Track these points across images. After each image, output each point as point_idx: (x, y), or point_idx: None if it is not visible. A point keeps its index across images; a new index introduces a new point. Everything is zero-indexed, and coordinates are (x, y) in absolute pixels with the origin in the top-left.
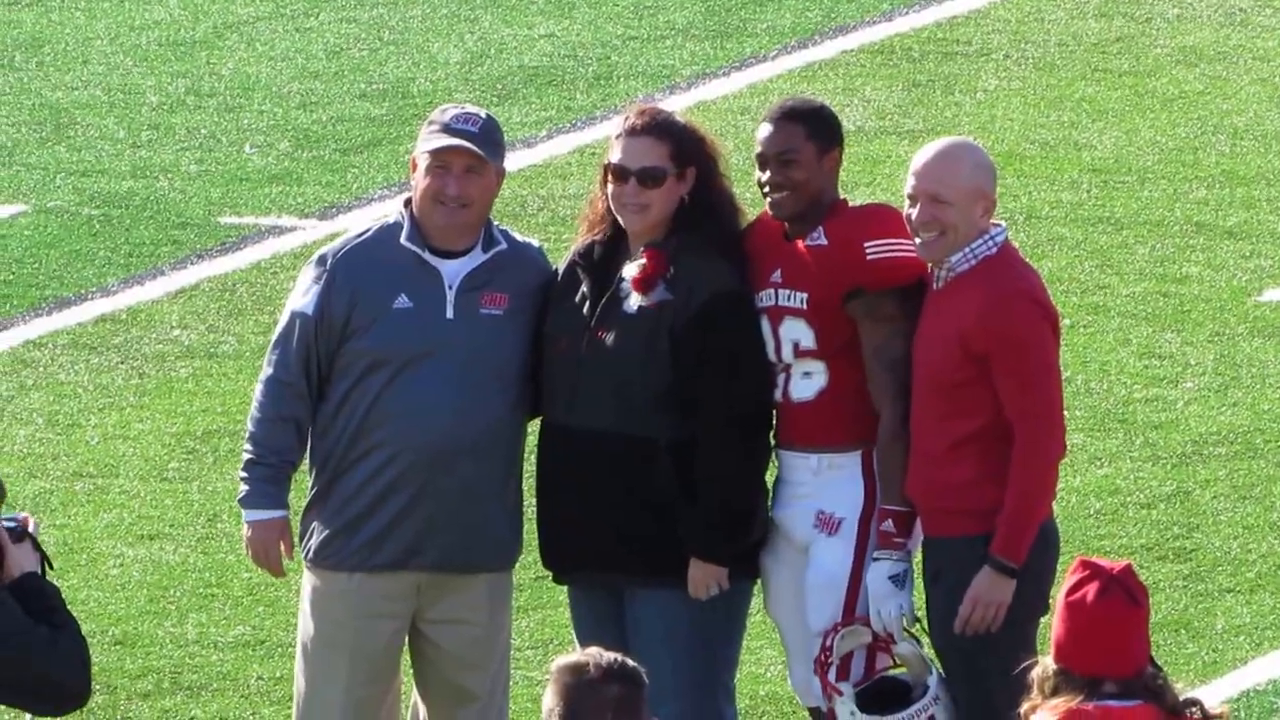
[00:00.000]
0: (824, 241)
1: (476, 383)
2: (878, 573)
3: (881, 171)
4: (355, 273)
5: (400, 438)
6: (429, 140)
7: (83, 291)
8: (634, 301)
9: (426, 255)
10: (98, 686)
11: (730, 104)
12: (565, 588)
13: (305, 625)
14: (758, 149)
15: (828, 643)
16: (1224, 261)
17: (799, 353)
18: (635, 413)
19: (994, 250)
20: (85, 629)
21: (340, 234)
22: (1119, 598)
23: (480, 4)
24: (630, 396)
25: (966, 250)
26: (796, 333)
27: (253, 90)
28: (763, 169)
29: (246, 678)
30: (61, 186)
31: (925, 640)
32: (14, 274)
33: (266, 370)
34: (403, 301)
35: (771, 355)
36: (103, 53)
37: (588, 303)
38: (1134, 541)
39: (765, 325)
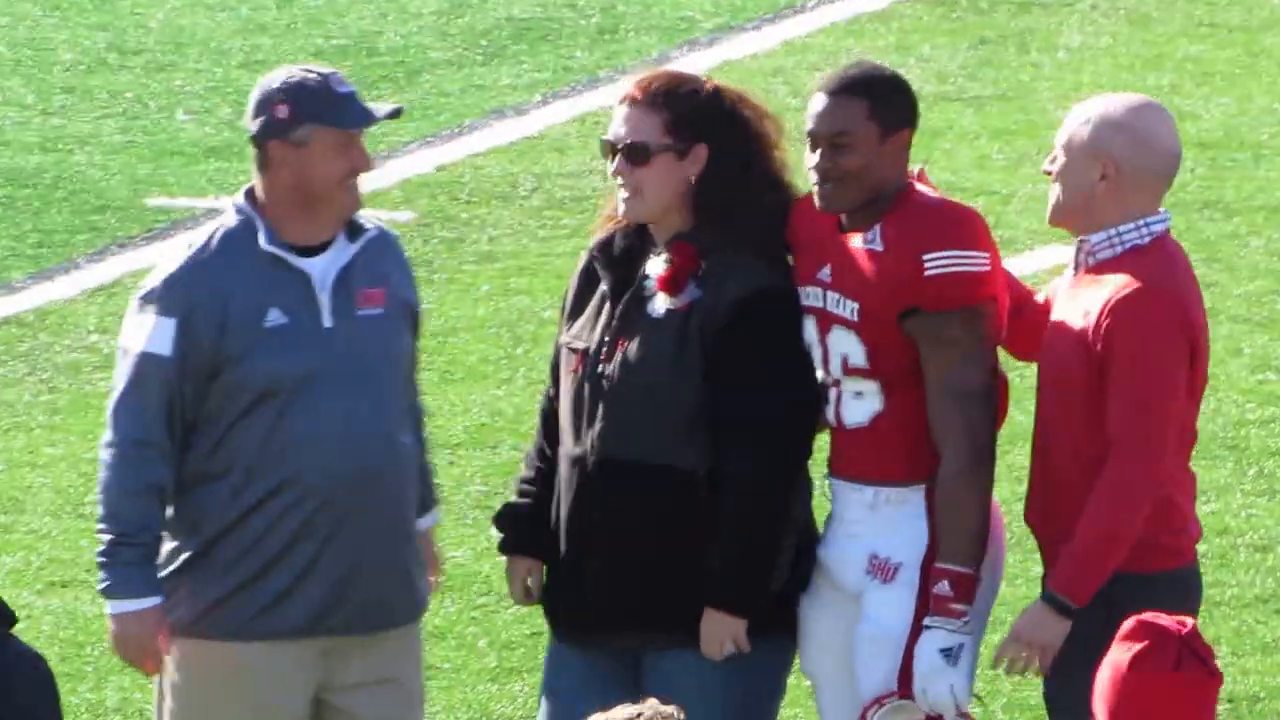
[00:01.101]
0: (879, 246)
1: (375, 401)
2: (928, 644)
3: (940, 146)
4: (214, 295)
5: (302, 478)
6: (330, 113)
7: None
8: (660, 304)
9: (291, 257)
10: None
11: (760, 64)
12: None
13: (179, 709)
14: (808, 126)
15: (868, 716)
16: None
17: (848, 369)
18: (667, 438)
19: (1145, 240)
20: None
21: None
22: (1195, 667)
23: None
24: (660, 418)
25: (1113, 233)
26: (846, 345)
27: (187, 46)
28: (813, 150)
29: None
30: None
31: None
32: None
33: (116, 432)
34: (275, 318)
35: (818, 368)
36: (5, 1)
37: (607, 306)
38: (1247, 592)
39: (812, 330)
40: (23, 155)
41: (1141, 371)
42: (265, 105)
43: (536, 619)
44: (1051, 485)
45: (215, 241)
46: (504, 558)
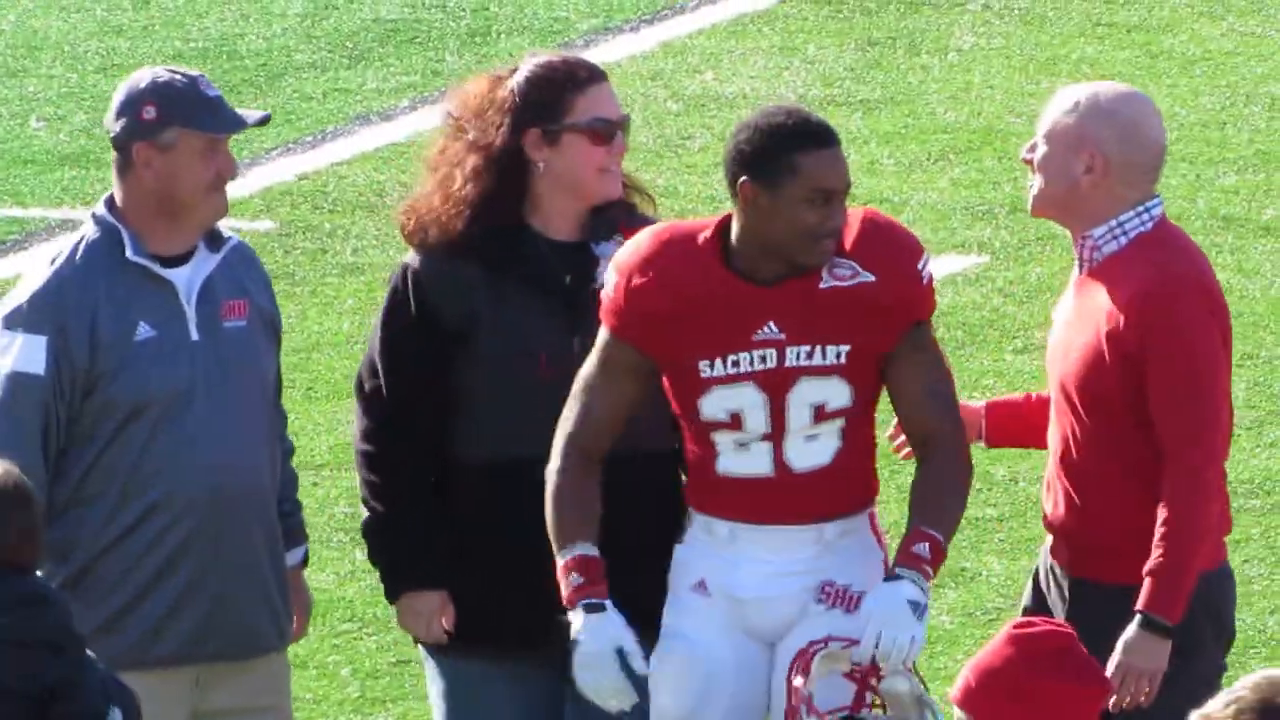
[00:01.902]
0: (871, 276)
1: (243, 417)
2: (895, 593)
3: None
4: (82, 309)
5: (174, 499)
6: (198, 117)
7: None
8: None
9: (157, 267)
10: None
11: (638, 67)
12: (439, 670)
13: None
14: (826, 183)
15: (810, 655)
16: (1258, 265)
17: (822, 416)
18: (650, 422)
19: (1148, 226)
20: None
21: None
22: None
23: None
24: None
25: (1114, 224)
26: (821, 394)
27: (40, 49)
28: (825, 205)
29: None
30: None
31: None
32: None
33: None
34: (144, 331)
35: (759, 426)
36: None
37: (551, 303)
38: None
39: (750, 395)
40: None
41: (1186, 363)
42: (131, 106)
43: (403, 647)
44: (1065, 493)
45: (79, 254)
46: (416, 593)
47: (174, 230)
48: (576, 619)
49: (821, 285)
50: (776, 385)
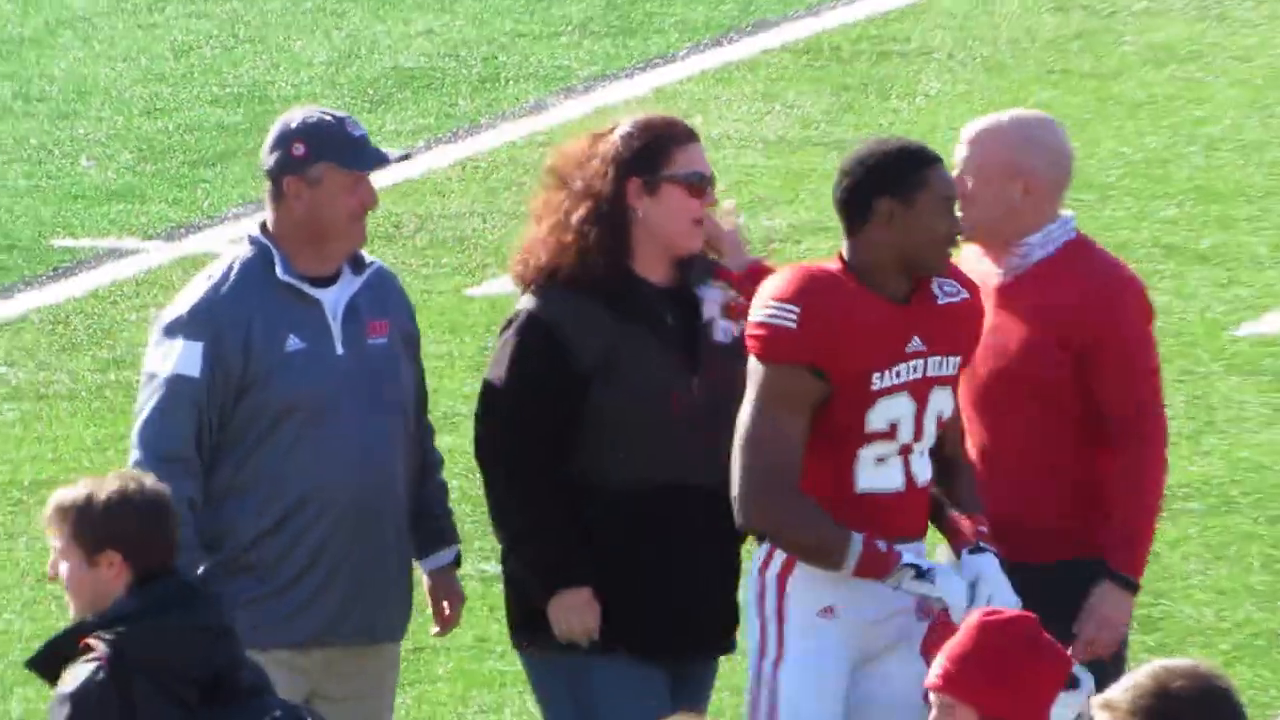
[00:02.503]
0: (966, 294)
1: (382, 425)
2: (992, 564)
3: (806, 187)
4: (236, 321)
5: (321, 494)
6: (344, 154)
7: None
8: (724, 331)
9: (305, 286)
10: None
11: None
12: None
13: None
14: (946, 192)
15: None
16: (1195, 290)
17: (940, 424)
18: (692, 455)
19: (1073, 234)
20: None
21: (189, 261)
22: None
23: None
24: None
25: (1044, 234)
26: (943, 403)
27: (90, 94)
28: (949, 213)
29: None
30: None
31: None
32: None
33: (144, 450)
34: (294, 343)
35: (906, 436)
36: None
37: (682, 345)
38: None
39: (903, 404)
40: None
41: (1138, 346)
42: (283, 142)
43: (420, 635)
44: (1002, 475)
45: (234, 272)
46: (571, 590)
47: (320, 255)
48: (910, 559)
49: (939, 301)
50: (922, 394)
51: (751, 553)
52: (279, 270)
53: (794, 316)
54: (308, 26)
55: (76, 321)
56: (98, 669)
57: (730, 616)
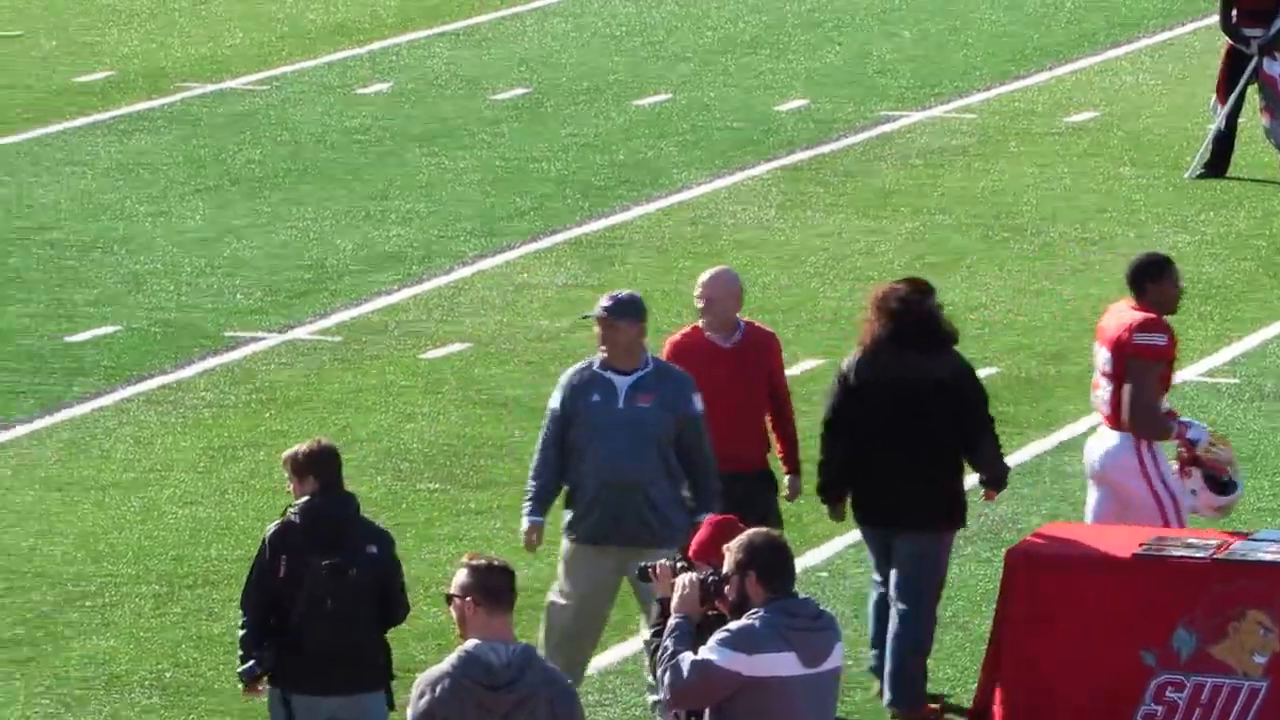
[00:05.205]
0: None
1: (638, 450)
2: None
3: None
4: (570, 387)
5: (598, 482)
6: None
7: None
8: None
9: (608, 373)
10: None
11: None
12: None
13: (561, 571)
14: (1179, 278)
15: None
16: None
17: None
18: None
19: None
20: None
21: None
22: None
23: None
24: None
25: None
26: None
27: None
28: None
29: None
30: None
31: None
32: None
33: (540, 440)
34: (595, 399)
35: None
36: None
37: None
38: None
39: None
40: None
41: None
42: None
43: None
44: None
45: (580, 365)
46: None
47: (620, 361)
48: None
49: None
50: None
51: None
52: (595, 366)
53: (1169, 341)
54: None
55: None
56: None
57: None
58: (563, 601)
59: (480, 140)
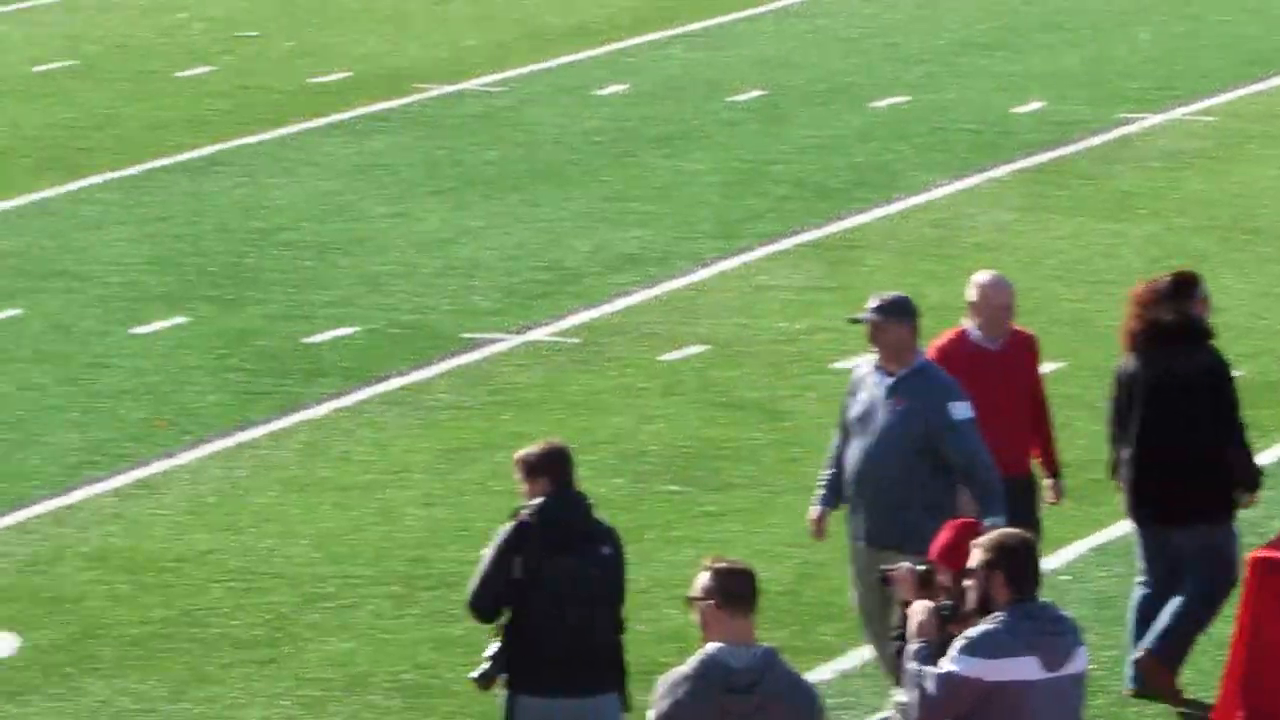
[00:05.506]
0: None
1: (886, 444)
2: None
3: None
4: (852, 381)
5: (853, 471)
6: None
7: None
8: None
9: (879, 375)
10: None
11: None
12: None
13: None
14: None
15: None
16: None
17: None
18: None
19: None
20: None
21: None
22: None
23: None
24: None
25: None
26: None
27: None
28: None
29: None
30: None
31: None
32: None
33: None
34: (861, 396)
35: None
36: None
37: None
38: None
39: None
40: None
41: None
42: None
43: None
44: None
45: (863, 361)
46: None
47: (884, 361)
48: None
49: None
50: None
51: None
52: (872, 365)
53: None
54: None
55: None
56: None
57: None
58: (855, 595)
59: (717, 142)
